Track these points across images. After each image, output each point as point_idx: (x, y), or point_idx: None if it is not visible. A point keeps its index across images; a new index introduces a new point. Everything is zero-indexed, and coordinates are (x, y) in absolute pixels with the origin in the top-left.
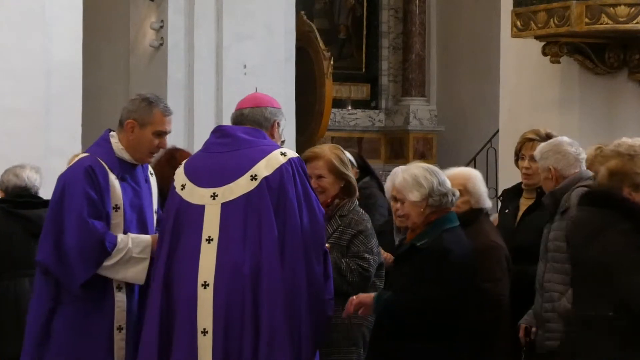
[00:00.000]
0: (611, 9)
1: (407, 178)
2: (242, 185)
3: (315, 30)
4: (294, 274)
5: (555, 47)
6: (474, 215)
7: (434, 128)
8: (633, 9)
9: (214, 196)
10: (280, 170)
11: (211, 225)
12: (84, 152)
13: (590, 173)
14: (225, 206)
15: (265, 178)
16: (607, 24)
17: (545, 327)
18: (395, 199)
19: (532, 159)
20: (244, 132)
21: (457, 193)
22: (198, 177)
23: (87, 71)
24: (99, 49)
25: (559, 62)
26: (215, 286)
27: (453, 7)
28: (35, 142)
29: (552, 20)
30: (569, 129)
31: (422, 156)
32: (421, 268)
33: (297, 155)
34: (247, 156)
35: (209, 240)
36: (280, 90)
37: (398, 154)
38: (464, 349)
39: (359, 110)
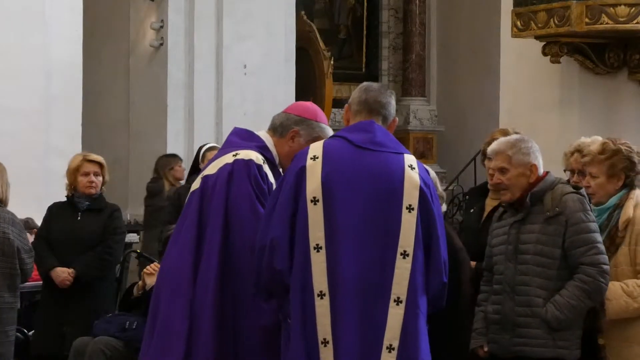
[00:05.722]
0: (611, 9)
1: None
2: (195, 185)
3: (315, 30)
4: (204, 274)
5: (555, 47)
6: None
7: (434, 128)
8: (633, 9)
9: None
10: (221, 170)
11: None
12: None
13: (553, 175)
14: None
15: (205, 177)
16: (607, 24)
17: (516, 332)
18: None
19: None
20: (236, 135)
21: (445, 196)
22: None
23: (87, 71)
24: (99, 49)
25: (559, 62)
26: None
27: (453, 7)
28: (35, 142)
29: (552, 20)
30: (569, 129)
31: (422, 156)
32: None
33: (251, 157)
34: (215, 158)
35: None
36: (280, 90)
37: None
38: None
39: None
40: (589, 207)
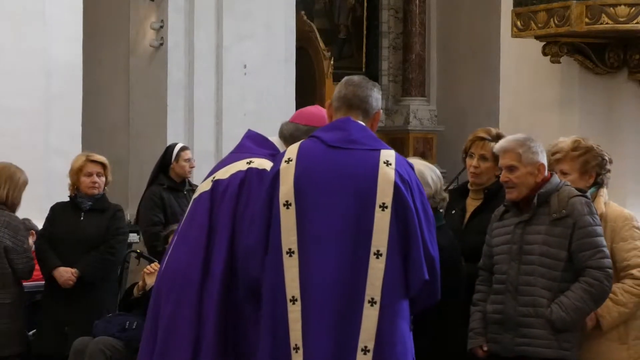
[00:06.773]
0: (611, 9)
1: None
2: (203, 186)
3: (316, 30)
4: (211, 281)
5: (555, 47)
6: None
7: (434, 128)
8: (633, 9)
9: None
10: (233, 176)
11: None
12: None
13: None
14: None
15: (216, 181)
16: (607, 24)
17: (518, 332)
18: None
19: (481, 158)
20: (250, 139)
21: (447, 198)
22: None
23: (87, 71)
24: (99, 49)
25: (559, 62)
26: None
27: (453, 7)
28: (35, 142)
29: (552, 20)
30: (569, 129)
31: (422, 156)
32: None
33: (265, 167)
34: (226, 162)
35: None
36: (280, 90)
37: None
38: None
39: None
40: (594, 211)
